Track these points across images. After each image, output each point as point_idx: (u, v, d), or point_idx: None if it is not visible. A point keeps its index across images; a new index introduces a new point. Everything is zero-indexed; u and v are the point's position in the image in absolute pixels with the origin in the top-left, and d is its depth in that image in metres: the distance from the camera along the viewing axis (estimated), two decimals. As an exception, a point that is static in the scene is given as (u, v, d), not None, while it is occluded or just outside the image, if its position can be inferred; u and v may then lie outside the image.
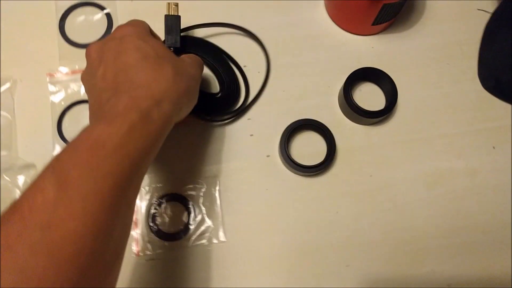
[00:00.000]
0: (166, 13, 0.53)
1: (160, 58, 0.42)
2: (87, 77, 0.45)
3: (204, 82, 0.59)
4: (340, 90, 0.57)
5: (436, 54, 0.61)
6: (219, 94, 0.58)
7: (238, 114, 0.58)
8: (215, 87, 0.59)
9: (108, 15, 0.63)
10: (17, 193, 0.55)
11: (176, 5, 0.54)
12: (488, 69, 0.59)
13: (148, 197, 0.55)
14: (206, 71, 0.59)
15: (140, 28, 0.46)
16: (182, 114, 0.44)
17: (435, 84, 0.60)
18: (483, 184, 0.56)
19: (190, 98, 0.45)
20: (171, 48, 0.53)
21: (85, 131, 0.36)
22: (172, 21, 0.53)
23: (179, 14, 0.54)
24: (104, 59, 0.42)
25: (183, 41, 0.55)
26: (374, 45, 0.61)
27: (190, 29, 0.58)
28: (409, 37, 0.62)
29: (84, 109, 0.58)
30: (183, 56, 0.48)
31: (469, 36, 0.61)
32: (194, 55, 0.50)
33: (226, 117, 0.57)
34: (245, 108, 0.58)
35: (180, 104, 0.42)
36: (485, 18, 0.62)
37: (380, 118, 0.56)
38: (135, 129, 0.36)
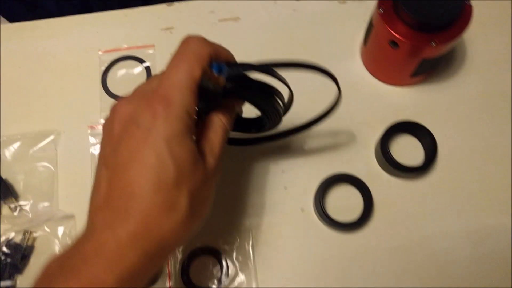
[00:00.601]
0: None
1: (178, 185, 0.32)
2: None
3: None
4: (377, 143, 0.56)
5: (478, 104, 0.59)
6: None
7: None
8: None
9: (147, 68, 0.65)
10: (56, 244, 0.56)
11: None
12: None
13: (181, 249, 0.54)
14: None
15: (177, 110, 0.33)
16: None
17: (477, 136, 0.58)
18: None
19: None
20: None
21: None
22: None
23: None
24: (113, 159, 0.34)
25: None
26: (412, 96, 0.60)
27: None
28: (449, 87, 0.60)
29: (122, 161, 0.59)
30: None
31: (512, 85, 0.60)
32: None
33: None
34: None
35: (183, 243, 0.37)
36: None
37: (419, 173, 0.55)
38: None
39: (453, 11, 0.50)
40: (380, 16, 0.53)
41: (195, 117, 0.36)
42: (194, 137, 0.36)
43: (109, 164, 0.34)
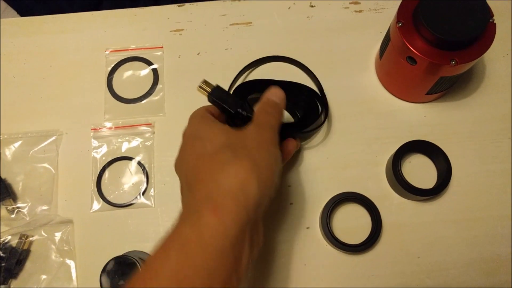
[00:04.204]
0: (205, 94, 0.48)
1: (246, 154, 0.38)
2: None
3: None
4: (388, 162, 0.54)
5: (495, 126, 0.57)
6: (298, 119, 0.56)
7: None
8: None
9: (154, 70, 0.63)
10: (53, 249, 0.54)
11: (204, 82, 0.48)
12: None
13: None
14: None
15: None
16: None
17: (493, 159, 0.55)
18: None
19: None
20: (243, 112, 0.47)
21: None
22: (217, 93, 0.48)
23: (214, 84, 0.48)
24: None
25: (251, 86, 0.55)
26: (427, 114, 0.58)
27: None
28: (465, 107, 0.58)
29: (124, 167, 0.58)
30: (259, 115, 0.45)
31: (532, 107, 0.57)
32: (275, 92, 0.47)
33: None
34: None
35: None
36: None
37: (431, 196, 0.52)
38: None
39: (476, 29, 0.48)
40: (398, 30, 0.51)
41: None
42: None
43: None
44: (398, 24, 0.51)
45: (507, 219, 0.53)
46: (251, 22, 0.65)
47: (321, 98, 0.57)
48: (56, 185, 0.57)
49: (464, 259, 0.51)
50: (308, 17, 0.65)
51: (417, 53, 0.49)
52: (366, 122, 0.58)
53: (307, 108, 0.56)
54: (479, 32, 0.48)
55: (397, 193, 0.54)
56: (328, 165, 0.56)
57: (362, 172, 0.55)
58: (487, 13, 0.48)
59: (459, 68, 0.49)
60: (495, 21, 0.49)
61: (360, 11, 0.64)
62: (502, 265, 0.51)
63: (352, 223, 0.53)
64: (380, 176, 0.55)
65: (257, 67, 0.62)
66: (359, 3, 0.65)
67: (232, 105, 0.47)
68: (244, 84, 0.59)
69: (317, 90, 0.59)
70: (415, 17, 0.50)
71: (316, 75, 0.59)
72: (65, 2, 0.98)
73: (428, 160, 0.55)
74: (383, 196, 0.54)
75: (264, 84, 0.52)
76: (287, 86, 0.54)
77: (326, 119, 0.57)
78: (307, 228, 0.53)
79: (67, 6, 0.97)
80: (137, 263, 0.47)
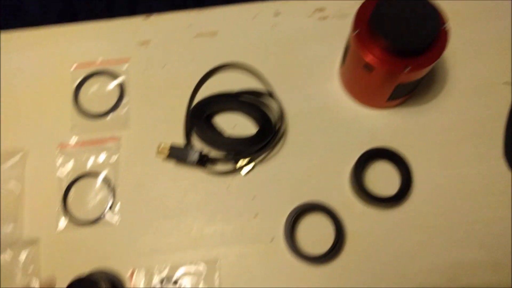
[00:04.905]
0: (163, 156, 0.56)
1: None
2: None
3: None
4: (351, 170, 0.54)
5: (456, 131, 0.57)
6: (257, 132, 0.57)
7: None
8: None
9: (121, 85, 0.63)
10: (19, 269, 0.54)
11: (161, 149, 0.56)
12: (516, 148, 0.55)
13: (146, 279, 0.53)
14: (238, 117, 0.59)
15: None
16: None
17: (454, 164, 0.55)
18: (508, 279, 0.50)
19: None
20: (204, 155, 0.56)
21: None
22: (177, 152, 0.56)
23: (169, 146, 0.56)
24: None
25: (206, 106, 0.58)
26: (389, 120, 0.58)
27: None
28: (427, 112, 0.58)
29: (89, 183, 0.58)
30: None
31: (493, 111, 0.57)
32: None
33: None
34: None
35: None
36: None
37: (393, 203, 0.53)
38: None
39: (428, 36, 0.48)
40: (355, 38, 0.51)
41: None
42: None
43: None
44: (355, 31, 0.51)
45: (467, 225, 0.53)
46: (216, 32, 0.65)
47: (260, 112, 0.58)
48: (21, 204, 0.57)
49: (427, 265, 0.51)
50: (272, 26, 0.64)
51: (372, 60, 0.49)
52: (330, 130, 0.58)
53: (263, 119, 0.57)
54: (431, 40, 0.48)
55: (360, 201, 0.54)
56: (292, 175, 0.56)
57: (326, 181, 0.55)
58: (439, 21, 0.48)
59: (414, 75, 0.50)
60: (447, 28, 0.49)
61: (324, 19, 0.64)
62: (464, 270, 0.51)
63: (315, 232, 0.53)
64: (343, 184, 0.55)
65: (207, 79, 0.62)
66: (324, 9, 0.65)
67: (192, 156, 0.55)
68: (199, 103, 0.59)
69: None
70: (370, 25, 0.50)
71: (280, 84, 0.60)
72: (38, 12, 0.97)
73: (391, 166, 0.55)
74: (347, 204, 0.54)
75: (219, 98, 0.57)
76: (239, 100, 0.58)
77: (282, 128, 0.57)
78: (272, 239, 0.53)
79: (40, 15, 0.97)
80: (98, 284, 0.47)
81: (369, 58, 0.50)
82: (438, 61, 0.49)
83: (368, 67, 0.51)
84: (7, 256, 0.55)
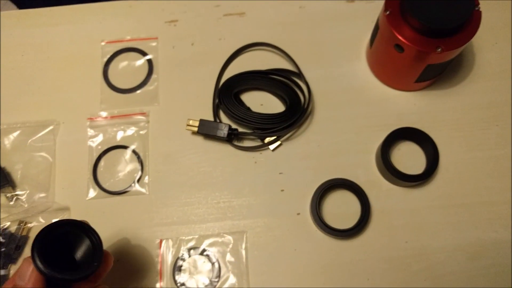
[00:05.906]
0: (194, 130, 0.58)
1: None
2: None
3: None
4: (378, 149, 0.55)
5: (483, 114, 0.57)
6: (286, 109, 0.58)
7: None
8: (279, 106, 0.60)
9: (149, 61, 0.64)
10: (51, 236, 0.56)
11: (191, 123, 0.58)
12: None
13: (174, 249, 0.54)
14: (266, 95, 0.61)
15: None
16: None
17: (480, 146, 0.56)
18: (531, 260, 0.51)
19: None
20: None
21: None
22: (206, 127, 0.57)
23: (199, 120, 0.57)
24: None
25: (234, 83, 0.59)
26: (416, 102, 0.58)
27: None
28: (454, 95, 0.59)
29: (119, 155, 0.59)
30: None
31: (521, 95, 0.58)
32: None
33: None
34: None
35: None
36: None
37: (419, 182, 0.53)
38: None
39: (461, 17, 0.48)
40: (386, 18, 0.51)
41: None
42: None
43: None
44: (386, 12, 0.51)
45: (491, 205, 0.54)
46: (244, 13, 0.66)
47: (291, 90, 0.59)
48: (53, 173, 0.59)
49: (449, 243, 0.52)
50: (300, 7, 0.65)
51: (404, 40, 0.50)
52: (357, 110, 0.59)
53: (291, 97, 0.58)
54: (464, 20, 0.48)
55: (386, 180, 0.55)
56: (319, 152, 0.57)
57: (352, 160, 0.56)
58: (473, 1, 0.49)
59: (445, 56, 0.50)
60: (480, 9, 0.50)
61: (352, 1, 0.65)
62: (486, 249, 0.52)
63: (341, 209, 0.54)
64: (370, 163, 0.56)
65: (235, 57, 0.63)
66: (352, -7, 0.65)
67: (223, 130, 0.56)
68: (228, 80, 0.60)
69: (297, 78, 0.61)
70: (402, 5, 0.50)
71: (307, 64, 0.60)
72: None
73: (417, 147, 0.56)
74: (373, 182, 0.55)
75: (248, 75, 0.59)
76: (268, 78, 0.59)
77: (310, 107, 0.58)
78: (298, 214, 0.55)
79: (65, -1, 0.98)
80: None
81: (401, 38, 0.50)
82: (466, 44, 0.49)
83: (399, 47, 0.51)
84: (39, 222, 0.56)
